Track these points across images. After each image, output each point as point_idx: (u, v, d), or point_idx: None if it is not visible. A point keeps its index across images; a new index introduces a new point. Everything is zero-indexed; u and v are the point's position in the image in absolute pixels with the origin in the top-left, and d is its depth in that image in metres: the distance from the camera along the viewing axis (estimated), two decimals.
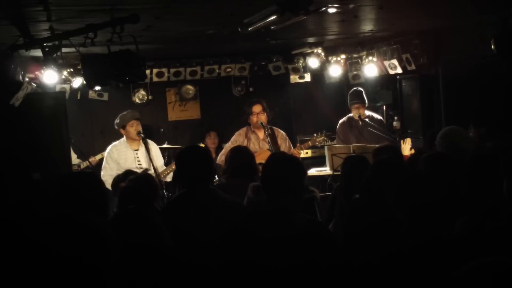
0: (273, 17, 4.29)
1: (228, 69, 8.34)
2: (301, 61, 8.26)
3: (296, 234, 2.93)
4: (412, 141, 6.53)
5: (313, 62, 7.97)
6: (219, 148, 7.74)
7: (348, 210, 3.89)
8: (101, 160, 7.33)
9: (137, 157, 6.64)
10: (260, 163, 6.43)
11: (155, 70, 7.93)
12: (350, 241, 3.51)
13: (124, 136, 6.79)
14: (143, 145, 6.67)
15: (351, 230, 3.57)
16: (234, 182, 4.80)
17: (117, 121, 6.82)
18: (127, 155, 6.71)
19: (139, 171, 6.14)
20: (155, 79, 8.03)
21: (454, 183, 3.50)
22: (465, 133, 5.07)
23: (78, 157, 7.40)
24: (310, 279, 2.87)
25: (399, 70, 7.46)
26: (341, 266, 2.97)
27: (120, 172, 5.24)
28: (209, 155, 3.88)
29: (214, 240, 3.15)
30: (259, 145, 7.00)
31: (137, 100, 8.43)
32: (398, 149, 5.76)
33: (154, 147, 6.86)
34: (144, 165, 6.58)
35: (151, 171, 6.34)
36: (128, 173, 4.78)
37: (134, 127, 6.69)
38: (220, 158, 6.87)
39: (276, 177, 3.09)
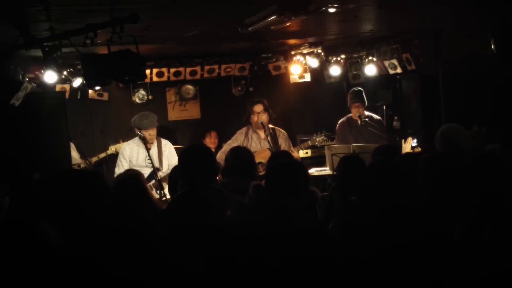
0: (273, 17, 4.30)
1: (228, 69, 8.33)
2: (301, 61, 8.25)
3: (297, 232, 2.94)
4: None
5: (313, 62, 7.97)
6: (219, 148, 7.74)
7: (345, 210, 3.89)
8: (102, 159, 7.39)
9: (149, 156, 6.66)
10: (260, 162, 6.46)
11: (155, 70, 7.92)
12: (348, 241, 3.51)
13: (138, 137, 6.87)
14: (156, 145, 6.88)
15: (349, 230, 3.57)
16: (234, 181, 4.80)
17: (135, 121, 6.84)
18: (139, 154, 6.85)
19: (149, 169, 6.38)
20: (155, 79, 8.02)
21: (454, 183, 3.50)
22: (463, 131, 5.05)
23: (81, 157, 7.41)
24: (310, 276, 2.88)
25: (399, 70, 7.46)
26: (339, 264, 2.98)
27: None
28: (212, 153, 3.87)
29: (216, 239, 3.15)
30: (260, 144, 7.02)
31: (137, 100, 8.41)
32: (396, 149, 5.76)
33: (168, 147, 7.01)
34: (155, 164, 6.65)
35: (163, 171, 6.60)
36: (129, 172, 4.81)
37: (148, 132, 6.79)
38: (220, 156, 6.88)
39: (280, 178, 3.09)
